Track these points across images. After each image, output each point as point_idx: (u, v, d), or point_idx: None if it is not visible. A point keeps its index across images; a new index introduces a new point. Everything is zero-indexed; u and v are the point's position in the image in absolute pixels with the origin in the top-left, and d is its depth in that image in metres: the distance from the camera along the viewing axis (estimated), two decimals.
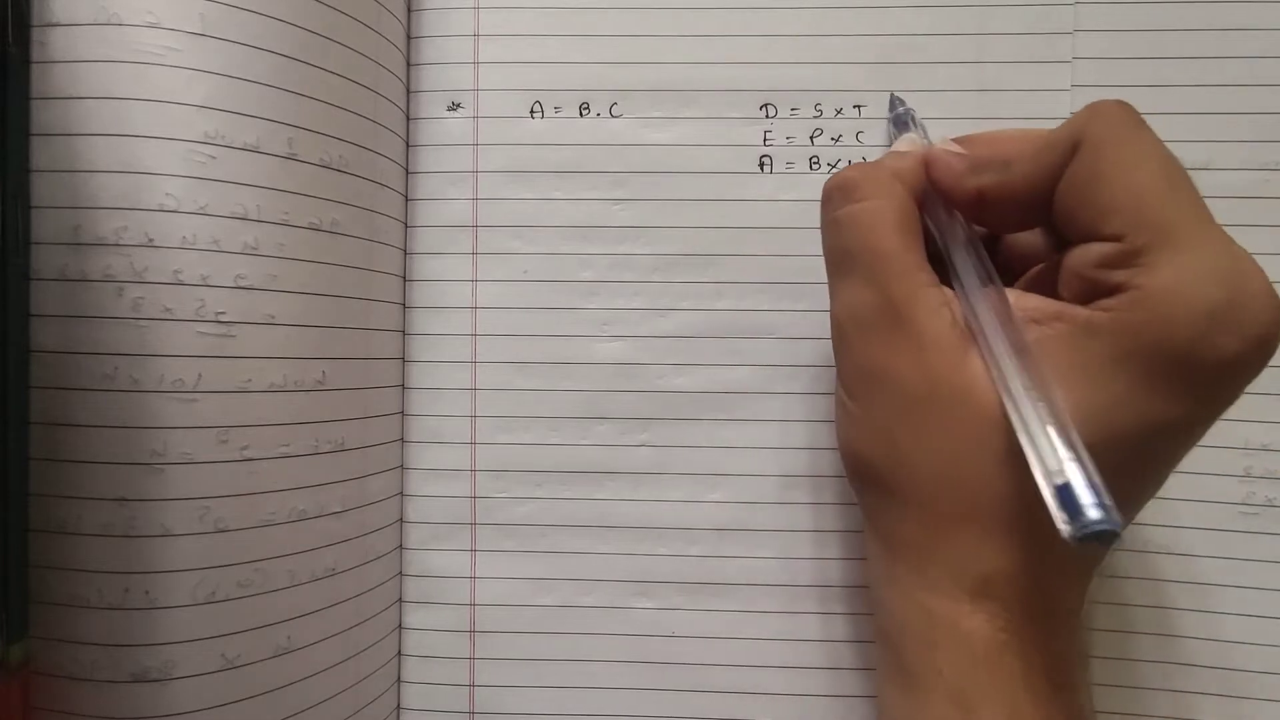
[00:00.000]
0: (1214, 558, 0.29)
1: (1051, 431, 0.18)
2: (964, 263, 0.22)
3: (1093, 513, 0.16)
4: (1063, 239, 0.21)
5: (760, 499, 0.30)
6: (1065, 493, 0.17)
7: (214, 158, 0.23)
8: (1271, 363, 0.29)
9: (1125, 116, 0.20)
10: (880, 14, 0.29)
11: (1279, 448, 0.29)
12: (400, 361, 0.30)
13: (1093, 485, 0.17)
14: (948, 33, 0.29)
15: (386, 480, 0.29)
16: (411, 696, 0.30)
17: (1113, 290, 0.19)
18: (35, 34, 0.22)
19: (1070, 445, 0.17)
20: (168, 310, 0.22)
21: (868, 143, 0.30)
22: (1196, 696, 0.29)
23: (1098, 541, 0.16)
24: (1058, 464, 0.17)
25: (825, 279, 0.25)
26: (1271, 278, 0.28)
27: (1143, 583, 0.29)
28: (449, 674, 0.30)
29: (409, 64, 0.30)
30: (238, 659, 0.24)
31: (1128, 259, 0.19)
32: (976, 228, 0.24)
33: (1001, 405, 0.19)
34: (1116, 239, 0.19)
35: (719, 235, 0.30)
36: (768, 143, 0.30)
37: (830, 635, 0.29)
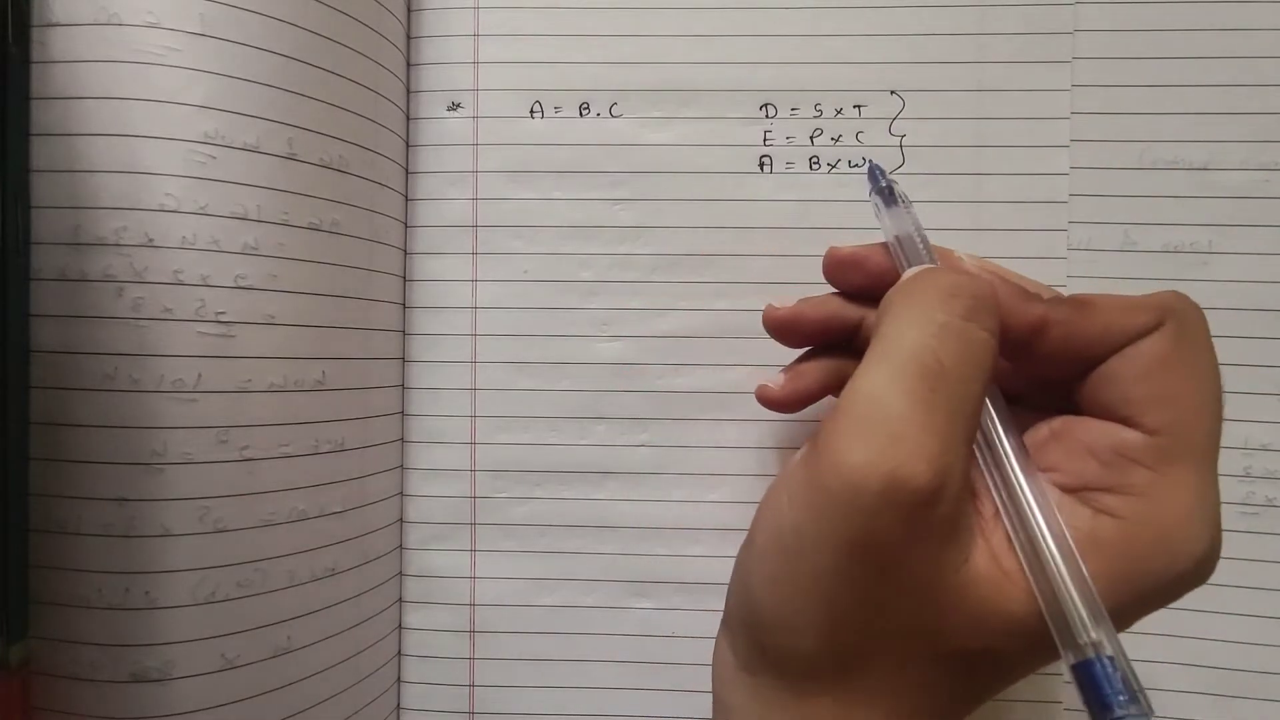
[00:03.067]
0: None
1: (1096, 624, 0.18)
2: (1008, 436, 0.20)
3: (1129, 708, 0.17)
4: (1063, 403, 0.21)
5: (760, 499, 0.29)
6: (1099, 682, 0.17)
7: (214, 158, 0.23)
8: (1272, 362, 0.29)
9: (1205, 320, 0.20)
10: (880, 14, 0.29)
11: (1279, 448, 0.29)
12: (400, 361, 0.30)
13: (1125, 676, 0.17)
14: (948, 33, 0.29)
15: (386, 480, 0.29)
16: (411, 696, 0.30)
17: (1123, 488, 0.19)
18: (35, 34, 0.22)
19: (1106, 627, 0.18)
20: (168, 310, 0.22)
21: (868, 143, 0.30)
22: (1197, 696, 0.29)
23: None
24: (1101, 645, 0.18)
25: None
26: (1271, 278, 0.29)
27: None
28: (449, 674, 0.30)
29: (409, 64, 0.30)
30: (238, 659, 0.24)
31: (1156, 458, 0.19)
32: None
33: (994, 606, 0.19)
34: (1153, 432, 0.19)
35: (719, 235, 0.30)
36: (768, 143, 0.30)
37: None
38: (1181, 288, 0.29)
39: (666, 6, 0.30)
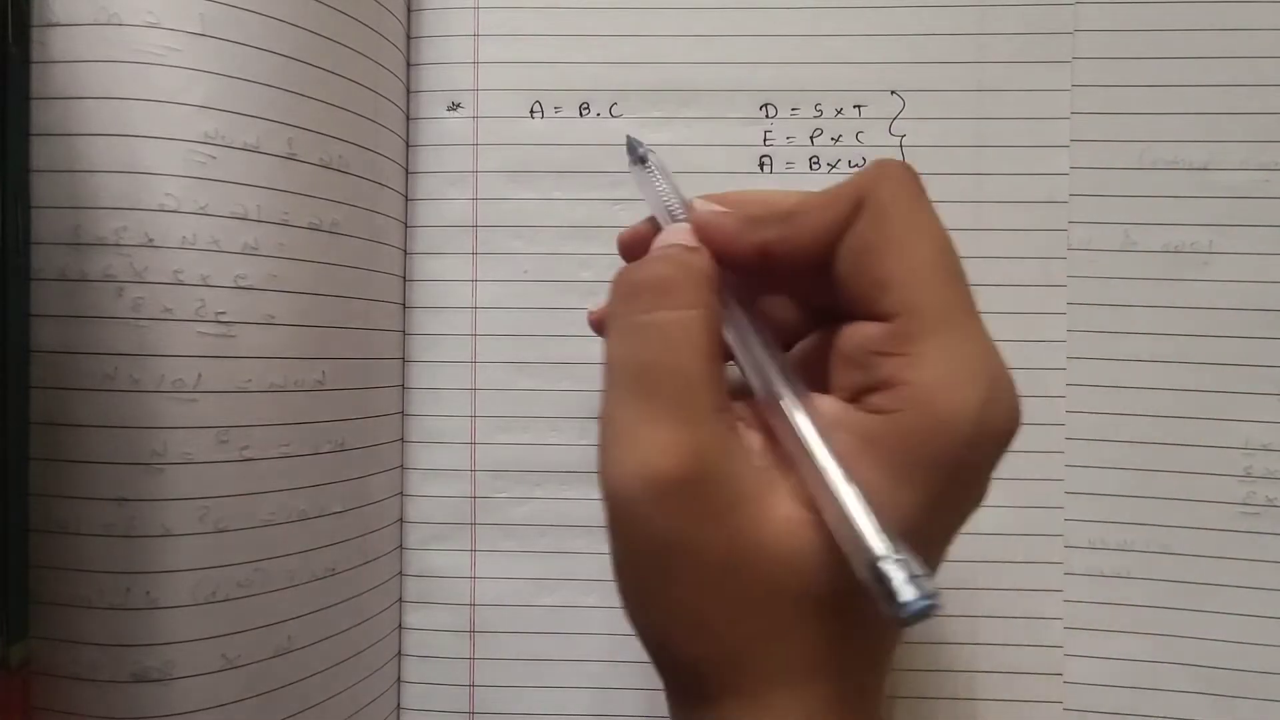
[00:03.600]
0: (1215, 558, 0.29)
1: (869, 522, 0.18)
2: (771, 367, 0.20)
3: (913, 593, 0.16)
4: (835, 310, 0.21)
5: None
6: (887, 579, 0.17)
7: (214, 158, 0.23)
8: (1272, 362, 0.29)
9: (912, 183, 0.20)
10: (880, 14, 0.29)
11: (1279, 448, 0.29)
12: (400, 361, 0.30)
13: (912, 568, 0.17)
14: (948, 33, 0.29)
15: (386, 480, 0.29)
16: (411, 696, 0.30)
17: (883, 383, 0.19)
18: (35, 34, 0.22)
19: (886, 532, 0.17)
20: (168, 310, 0.22)
21: (868, 142, 0.30)
22: (1197, 696, 0.29)
23: (920, 618, 0.17)
24: (879, 553, 0.17)
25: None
26: (1272, 278, 0.29)
27: (1143, 582, 0.29)
28: (449, 674, 0.30)
29: (409, 64, 0.30)
30: (238, 659, 0.24)
31: (900, 343, 0.19)
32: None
33: (813, 553, 0.18)
34: (888, 318, 0.19)
35: None
36: (768, 143, 0.30)
37: None
38: (1182, 287, 0.29)
39: (666, 6, 0.30)
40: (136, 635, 0.22)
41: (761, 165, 0.30)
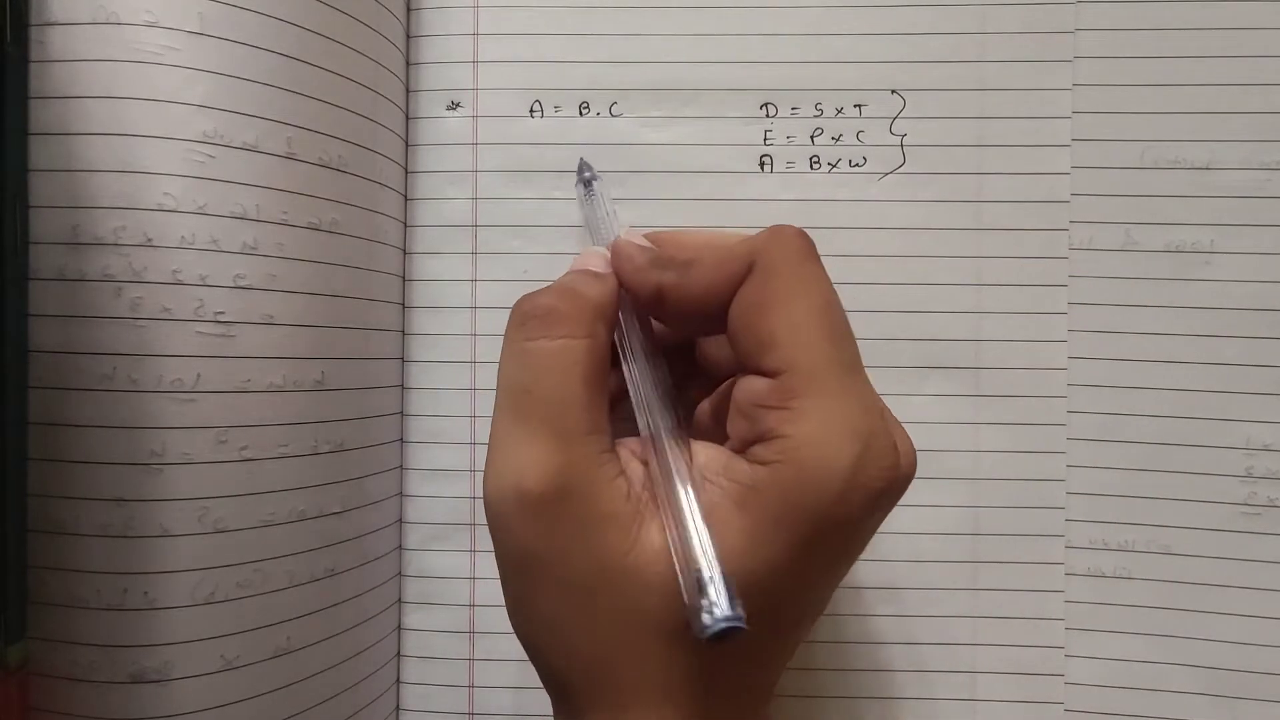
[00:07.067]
0: (1216, 558, 0.29)
1: (695, 542, 0.19)
2: (649, 402, 0.22)
3: (721, 611, 0.17)
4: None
5: None
6: (695, 597, 0.18)
7: (213, 157, 0.23)
8: (1272, 362, 0.29)
9: (800, 246, 0.21)
10: (880, 13, 0.29)
11: None
12: (400, 361, 0.30)
13: (727, 587, 0.18)
14: (948, 32, 0.29)
15: (386, 481, 0.29)
16: (411, 697, 0.30)
17: (764, 435, 0.19)
18: (34, 33, 0.22)
19: (710, 557, 0.18)
20: (166, 310, 0.22)
21: (868, 142, 0.29)
22: (1197, 697, 0.29)
23: (724, 638, 0.17)
24: (699, 569, 0.18)
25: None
26: (1273, 277, 0.29)
27: (1145, 583, 0.29)
28: (448, 675, 0.30)
29: (408, 63, 0.30)
30: (237, 660, 0.24)
31: (781, 398, 0.19)
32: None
33: (670, 577, 0.19)
34: (772, 373, 0.20)
35: None
36: (768, 142, 0.30)
37: (837, 635, 0.29)
38: (1183, 287, 0.29)
39: (667, 6, 0.30)
40: (135, 636, 0.22)
41: (762, 165, 0.30)
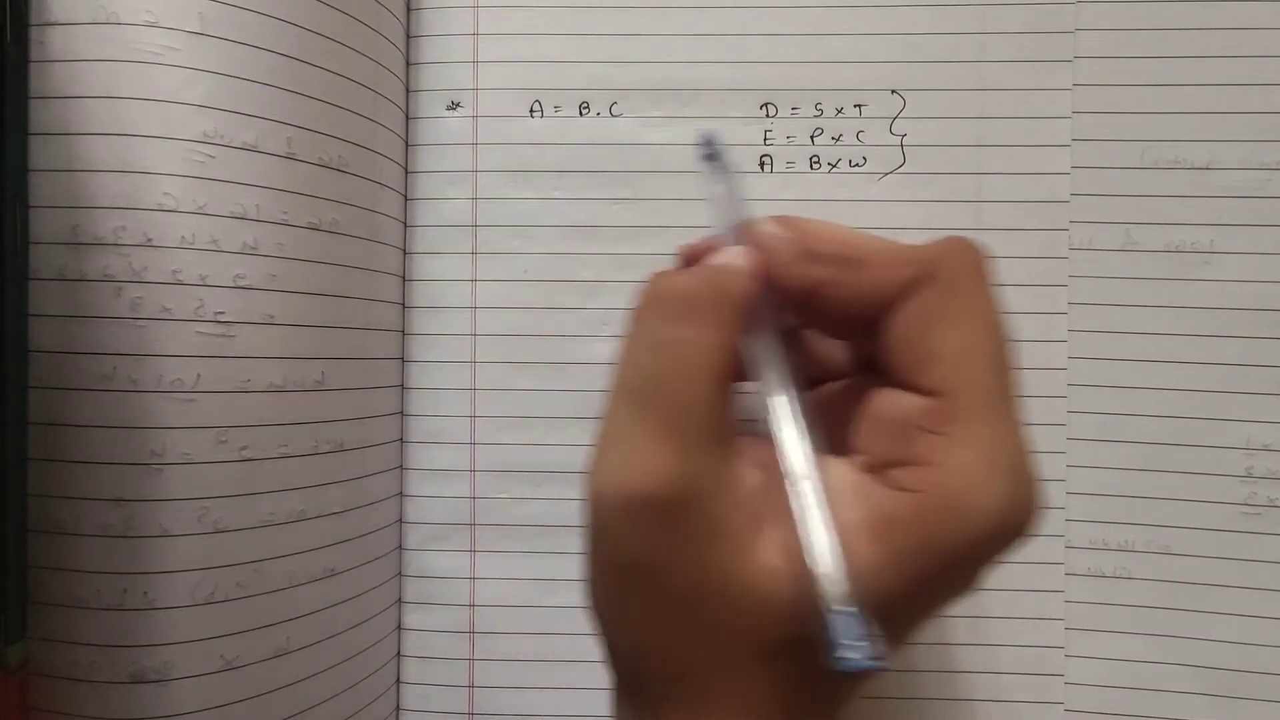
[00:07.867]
0: (1216, 558, 0.29)
1: (837, 575, 0.18)
2: (784, 412, 0.20)
3: (858, 651, 0.17)
4: (874, 365, 0.20)
5: None
6: (836, 630, 0.17)
7: (213, 157, 0.23)
8: (1273, 362, 0.29)
9: (980, 263, 0.20)
10: (880, 13, 0.29)
11: None
12: (400, 361, 0.30)
13: (864, 627, 0.17)
14: (948, 32, 0.29)
15: (386, 480, 0.29)
16: (411, 697, 0.30)
17: (911, 459, 0.18)
18: (34, 33, 0.22)
19: (850, 589, 0.17)
20: (166, 310, 0.22)
21: (868, 142, 0.29)
22: (1197, 697, 0.29)
23: (859, 675, 0.17)
24: (835, 605, 0.17)
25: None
26: (1273, 277, 0.29)
27: (1144, 583, 0.29)
28: (448, 675, 0.30)
29: (408, 63, 0.30)
30: (237, 660, 0.24)
31: (937, 422, 0.18)
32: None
33: (783, 603, 0.18)
34: (931, 393, 0.19)
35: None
36: (768, 142, 0.30)
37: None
38: (1183, 287, 0.29)
39: (667, 6, 0.30)
40: (135, 636, 0.22)
41: (762, 164, 0.30)
